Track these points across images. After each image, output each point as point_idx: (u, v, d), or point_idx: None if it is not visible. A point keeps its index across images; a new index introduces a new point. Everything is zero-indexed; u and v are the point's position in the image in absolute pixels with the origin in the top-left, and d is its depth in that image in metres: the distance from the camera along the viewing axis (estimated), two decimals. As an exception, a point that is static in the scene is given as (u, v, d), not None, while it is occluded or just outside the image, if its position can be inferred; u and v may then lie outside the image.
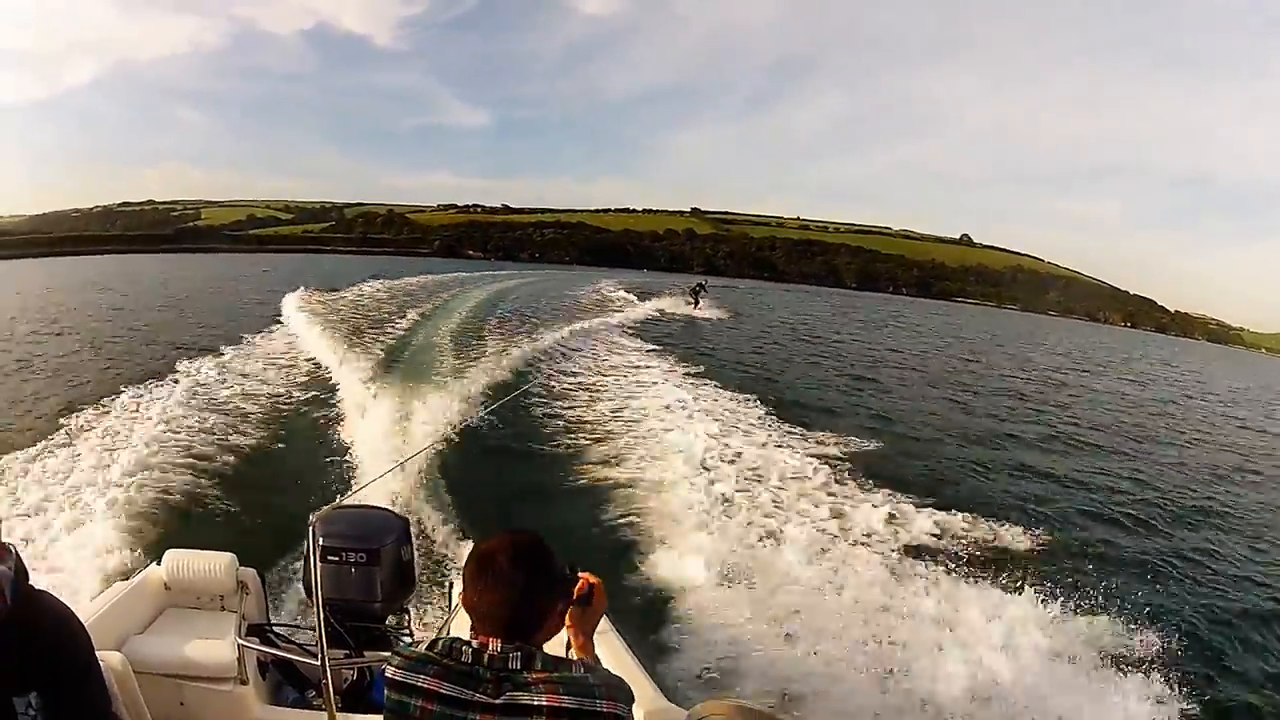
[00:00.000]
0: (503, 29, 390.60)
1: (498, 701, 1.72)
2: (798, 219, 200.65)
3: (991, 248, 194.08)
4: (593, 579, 2.15)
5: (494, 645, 1.78)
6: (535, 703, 1.71)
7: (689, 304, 39.71)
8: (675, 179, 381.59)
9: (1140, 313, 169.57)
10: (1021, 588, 7.84)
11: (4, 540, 1.95)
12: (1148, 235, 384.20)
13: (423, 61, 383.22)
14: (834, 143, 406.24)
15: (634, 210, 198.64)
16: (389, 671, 1.84)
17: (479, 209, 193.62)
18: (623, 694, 1.83)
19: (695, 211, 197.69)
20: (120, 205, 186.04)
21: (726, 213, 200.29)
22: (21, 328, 24.70)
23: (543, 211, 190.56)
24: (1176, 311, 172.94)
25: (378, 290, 34.59)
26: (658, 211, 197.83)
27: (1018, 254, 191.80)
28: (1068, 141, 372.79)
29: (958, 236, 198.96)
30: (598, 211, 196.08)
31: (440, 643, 1.85)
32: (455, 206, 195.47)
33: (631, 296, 43.65)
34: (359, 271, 47.29)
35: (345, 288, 34.18)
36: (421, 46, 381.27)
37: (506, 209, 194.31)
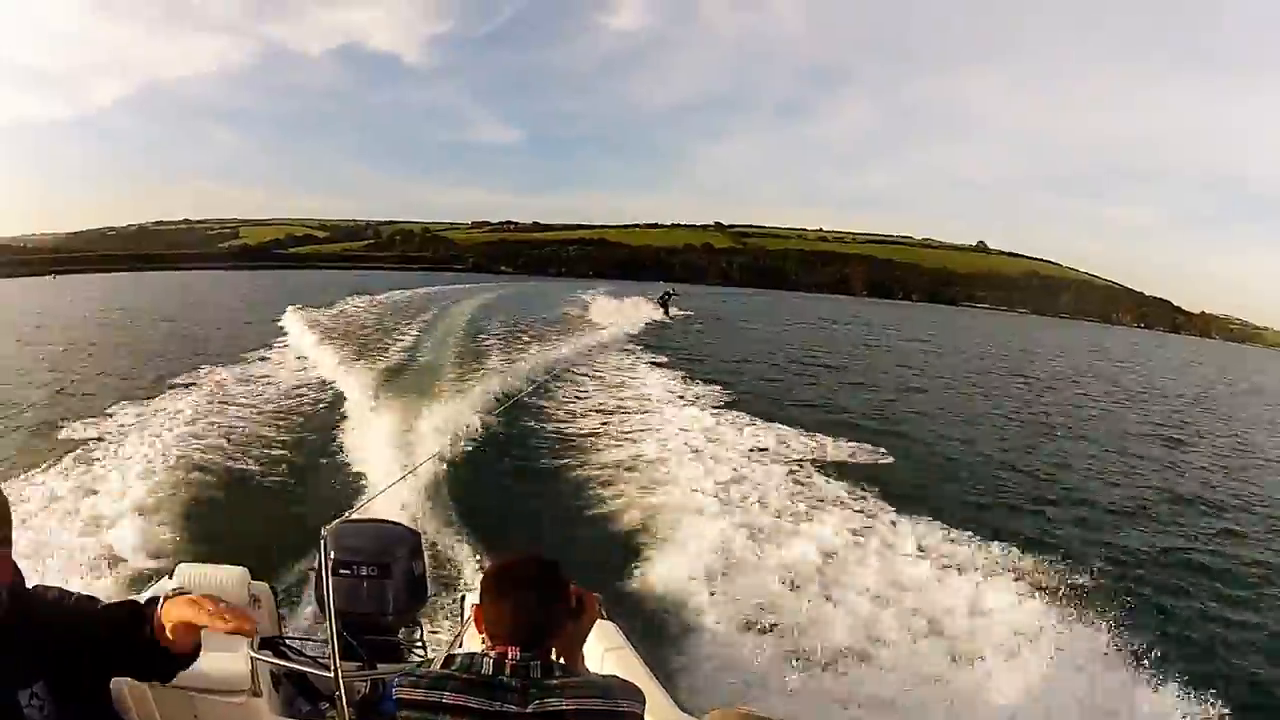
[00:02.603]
0: (532, 45, 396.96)
1: (528, 710, 1.82)
2: (819, 230, 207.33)
3: (1007, 254, 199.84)
4: (583, 592, 2.25)
5: (513, 654, 1.91)
6: (564, 708, 1.83)
7: (658, 311, 40.78)
8: (706, 192, 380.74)
9: (1155, 313, 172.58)
10: (1032, 592, 8.01)
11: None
12: (1177, 236, 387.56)
13: (453, 78, 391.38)
14: (863, 151, 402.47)
15: (663, 225, 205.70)
16: (403, 693, 1.90)
17: (511, 226, 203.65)
18: (637, 694, 1.98)
19: (718, 225, 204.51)
20: (155, 224, 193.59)
21: (749, 226, 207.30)
22: (41, 341, 26.21)
23: (569, 228, 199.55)
24: (1201, 312, 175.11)
25: (370, 305, 36.94)
26: (685, 226, 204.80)
27: (1032, 259, 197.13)
28: (1097, 144, 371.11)
29: (974, 244, 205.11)
30: (626, 227, 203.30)
31: (457, 659, 1.98)
32: (489, 224, 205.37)
33: (609, 304, 44.20)
34: (402, 285, 51.74)
35: (342, 301, 36.87)
36: (452, 63, 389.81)
37: (538, 226, 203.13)
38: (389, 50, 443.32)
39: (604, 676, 2.05)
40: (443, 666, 1.96)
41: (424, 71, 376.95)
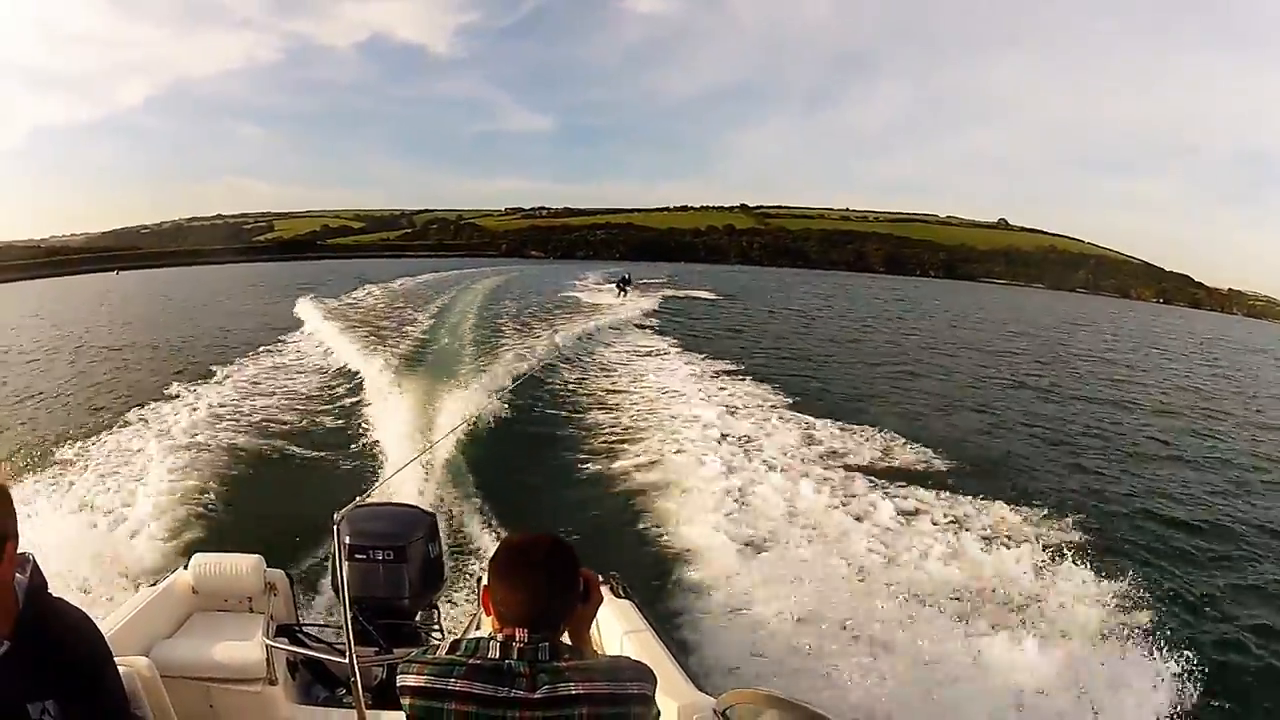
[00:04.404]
0: (559, 34, 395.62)
1: (536, 696, 1.79)
2: (845, 209, 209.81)
3: (1028, 230, 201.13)
4: (590, 574, 2.16)
5: (521, 635, 1.86)
6: (572, 692, 1.79)
7: (616, 296, 41.22)
8: (736, 179, 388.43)
9: (1174, 289, 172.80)
10: (1054, 577, 7.96)
11: (20, 550, 1.98)
12: (1203, 212, 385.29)
13: (481, 69, 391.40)
14: (890, 136, 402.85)
15: (691, 208, 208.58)
16: (409, 680, 1.88)
17: (544, 211, 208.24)
18: (647, 674, 1.95)
19: (743, 207, 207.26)
20: (189, 220, 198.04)
21: (776, 207, 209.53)
22: (55, 340, 26.39)
23: (595, 213, 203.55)
24: (1230, 290, 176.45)
25: (379, 293, 37.70)
26: (712, 208, 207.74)
27: (1052, 235, 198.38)
28: (1123, 120, 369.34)
29: (995, 221, 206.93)
30: (653, 210, 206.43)
31: (463, 644, 1.93)
32: (521, 211, 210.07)
33: (593, 287, 46.88)
34: (411, 271, 54.09)
35: (355, 290, 38.10)
36: (479, 54, 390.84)
37: (568, 211, 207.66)
38: (416, 42, 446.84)
39: (614, 658, 2.08)
40: (449, 651, 1.93)
41: (451, 63, 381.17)
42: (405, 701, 1.87)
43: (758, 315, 43.21)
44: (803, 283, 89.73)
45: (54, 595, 2.12)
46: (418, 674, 1.86)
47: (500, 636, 1.88)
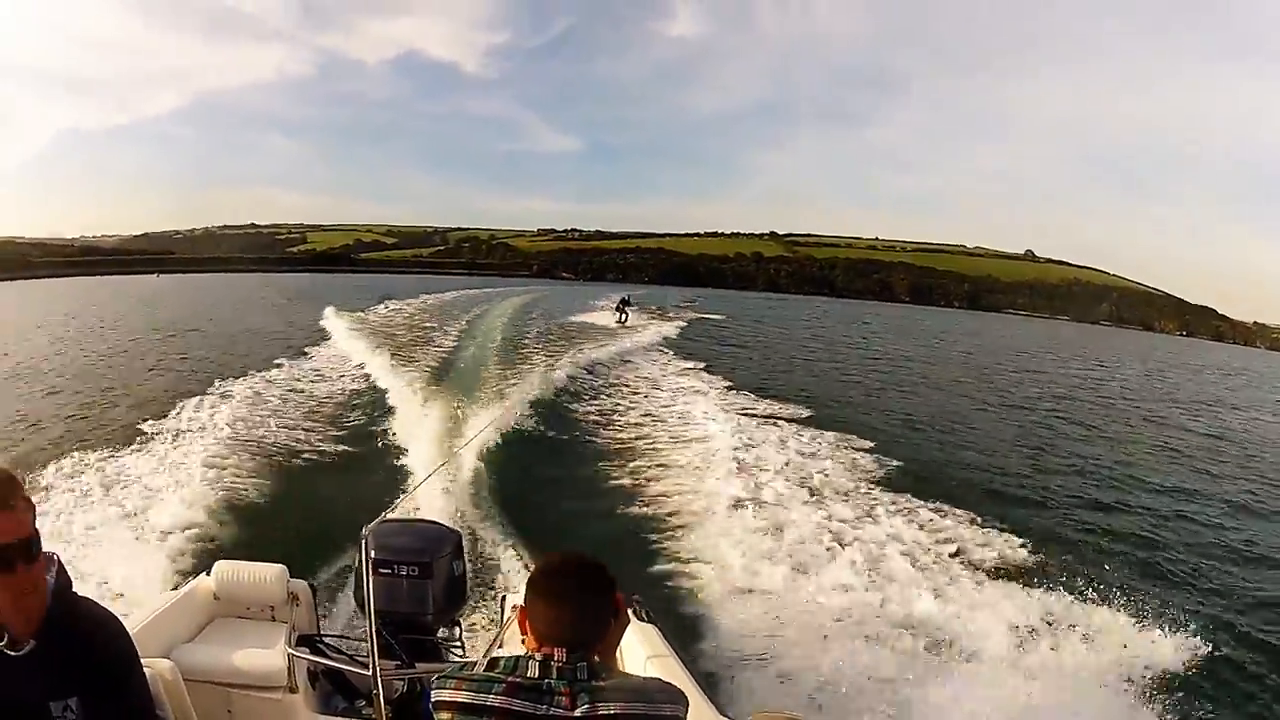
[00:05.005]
0: (588, 54, 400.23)
1: (576, 714, 1.80)
2: (875, 239, 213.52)
3: (1054, 261, 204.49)
4: (619, 596, 2.14)
5: (559, 654, 1.87)
6: (611, 711, 1.80)
7: (616, 320, 40.12)
8: (761, 198, 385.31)
9: (1197, 321, 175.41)
10: (1080, 608, 7.75)
11: (47, 549, 2.01)
12: (1231, 236, 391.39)
13: (511, 88, 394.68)
14: (917, 154, 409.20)
15: (721, 234, 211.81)
16: (445, 695, 1.88)
17: (576, 234, 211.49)
18: (680, 697, 1.94)
19: (773, 235, 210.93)
20: (222, 228, 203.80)
21: (805, 235, 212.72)
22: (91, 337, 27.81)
23: (627, 236, 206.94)
24: (1255, 323, 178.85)
25: (407, 308, 38.40)
26: (742, 235, 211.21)
27: (1078, 267, 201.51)
28: (1152, 141, 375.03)
29: (1021, 252, 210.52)
30: (684, 236, 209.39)
31: (502, 661, 1.94)
32: (553, 232, 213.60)
33: (608, 309, 44.68)
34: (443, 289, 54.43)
35: (377, 305, 38.51)
36: (509, 73, 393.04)
37: (600, 234, 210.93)
38: (447, 60, 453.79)
39: (647, 679, 2.06)
40: (487, 668, 1.95)
41: (482, 81, 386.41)
42: (443, 716, 1.89)
43: (788, 341, 42.56)
44: (827, 312, 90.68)
45: (81, 595, 2.18)
46: (455, 689, 1.88)
47: (539, 655, 1.90)
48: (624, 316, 40.79)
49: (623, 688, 1.88)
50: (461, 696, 1.86)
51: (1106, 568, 9.55)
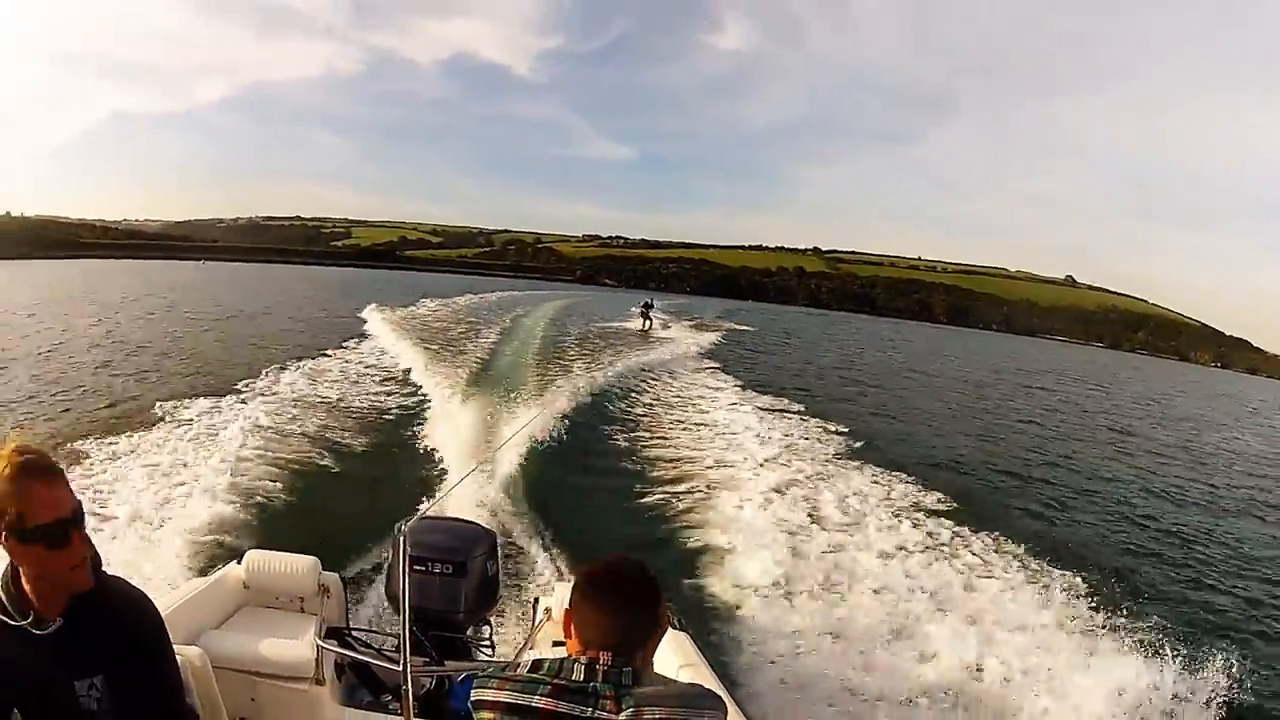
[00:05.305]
0: (640, 63, 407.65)
1: (620, 718, 1.79)
2: (917, 259, 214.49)
3: (1094, 288, 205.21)
4: None
5: (605, 658, 1.86)
6: (656, 716, 1.78)
7: (642, 325, 39.14)
8: (808, 214, 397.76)
9: (1233, 353, 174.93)
10: (1119, 632, 7.57)
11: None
12: (1273, 268, 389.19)
13: (561, 92, 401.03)
14: (965, 177, 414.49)
15: (765, 248, 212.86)
16: (488, 694, 1.88)
17: (620, 241, 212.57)
18: (720, 704, 1.92)
19: (815, 250, 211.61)
20: (265, 219, 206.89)
21: (848, 252, 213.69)
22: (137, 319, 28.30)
23: (670, 246, 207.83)
24: None
25: (448, 306, 38.36)
26: (786, 250, 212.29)
27: (1116, 294, 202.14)
28: (1200, 172, 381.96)
29: (1062, 277, 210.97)
30: (729, 248, 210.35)
31: (546, 663, 1.90)
32: (598, 238, 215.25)
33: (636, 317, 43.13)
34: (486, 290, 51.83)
35: (416, 302, 38.39)
36: (560, 78, 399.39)
37: (645, 243, 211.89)
38: (499, 63, 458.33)
39: (689, 684, 2.03)
40: (530, 670, 1.92)
41: (532, 85, 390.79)
42: (481, 715, 1.88)
43: (829, 358, 41.95)
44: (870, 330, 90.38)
45: (111, 574, 2.20)
46: (498, 689, 1.88)
47: (584, 659, 1.89)
48: (649, 323, 39.82)
49: (666, 693, 1.87)
50: (505, 697, 1.87)
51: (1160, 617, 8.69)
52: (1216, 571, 11.68)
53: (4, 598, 2.03)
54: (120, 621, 2.15)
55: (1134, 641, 7.43)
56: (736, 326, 51.97)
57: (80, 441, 10.67)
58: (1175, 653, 7.07)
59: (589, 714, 1.80)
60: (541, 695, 1.83)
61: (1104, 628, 7.73)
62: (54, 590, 2.04)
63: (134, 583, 2.33)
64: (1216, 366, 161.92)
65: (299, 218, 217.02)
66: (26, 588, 2.02)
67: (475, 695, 1.90)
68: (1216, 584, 11.11)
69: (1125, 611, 8.16)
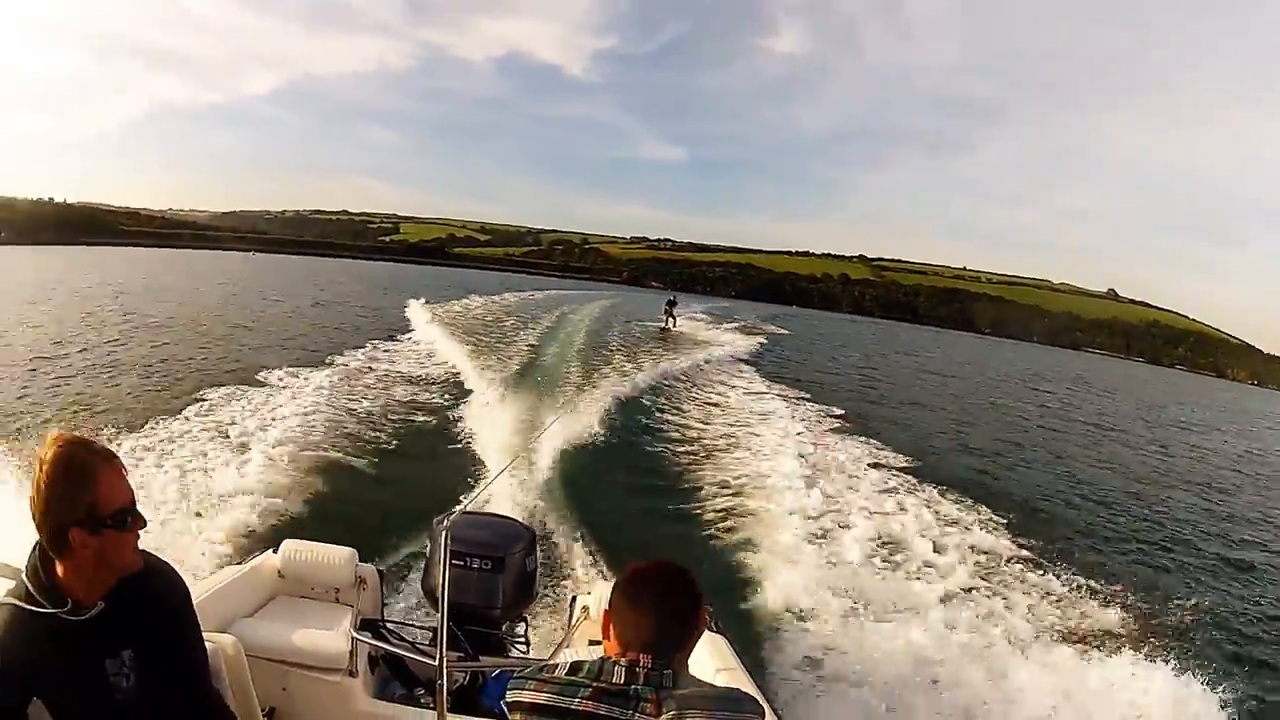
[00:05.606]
0: (694, 66, 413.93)
1: None
2: (962, 269, 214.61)
3: (1137, 303, 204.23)
4: None
5: (645, 660, 1.85)
6: (698, 719, 1.77)
7: (666, 322, 38.26)
8: (856, 222, 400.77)
9: (1269, 371, 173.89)
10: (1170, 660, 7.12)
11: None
12: None
13: (614, 94, 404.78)
14: (1011, 188, 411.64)
15: (811, 254, 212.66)
16: (525, 696, 1.86)
17: (668, 244, 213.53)
18: (759, 708, 1.92)
19: (861, 258, 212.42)
20: (313, 212, 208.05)
21: (893, 260, 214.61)
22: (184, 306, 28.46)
23: (717, 250, 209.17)
24: None
25: (492, 303, 38.28)
26: (832, 256, 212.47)
27: (1158, 309, 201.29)
28: (1247, 190, 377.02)
29: (1104, 290, 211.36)
30: (775, 253, 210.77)
31: (586, 665, 1.89)
32: (646, 240, 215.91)
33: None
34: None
35: (462, 298, 38.34)
36: (613, 80, 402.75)
37: (693, 246, 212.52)
38: (552, 62, 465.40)
39: (728, 688, 2.00)
40: (569, 671, 1.90)
41: (586, 85, 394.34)
42: (517, 717, 1.87)
43: (877, 367, 41.41)
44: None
45: (154, 555, 2.21)
46: (536, 690, 1.86)
47: (624, 661, 1.88)
48: (672, 321, 38.64)
49: (706, 696, 1.85)
50: (543, 699, 1.85)
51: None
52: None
53: (33, 588, 2.01)
54: (155, 595, 2.19)
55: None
56: (778, 331, 52.20)
57: (121, 428, 10.71)
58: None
59: (630, 717, 1.80)
60: (582, 698, 1.83)
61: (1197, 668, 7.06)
62: (106, 576, 2.04)
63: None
64: (1252, 384, 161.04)
65: (346, 212, 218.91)
66: (68, 576, 2.01)
67: (511, 696, 1.90)
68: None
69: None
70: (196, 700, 2.38)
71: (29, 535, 2.06)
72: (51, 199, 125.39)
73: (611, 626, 2.00)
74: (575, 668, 1.91)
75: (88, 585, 2.03)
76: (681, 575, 2.05)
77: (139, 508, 2.09)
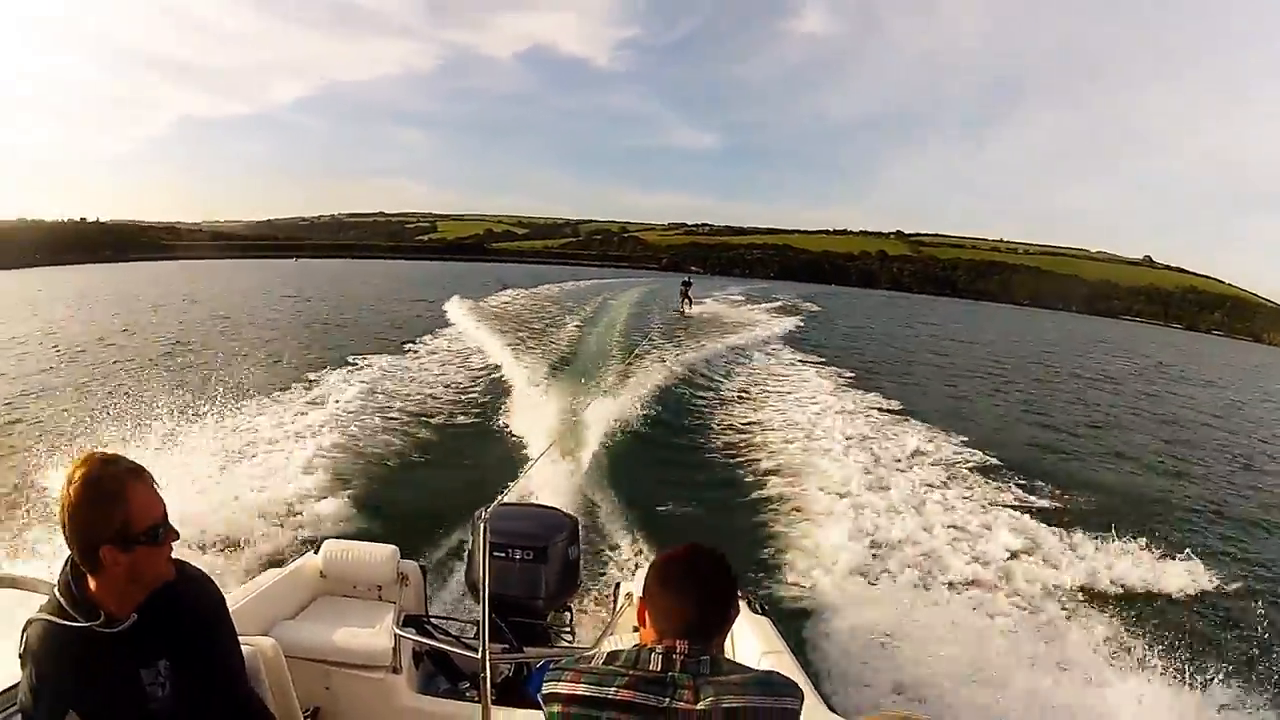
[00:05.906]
0: (721, 52, 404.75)
1: (699, 708, 1.75)
2: (999, 240, 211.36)
3: (1172, 268, 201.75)
4: None
5: (682, 647, 1.84)
6: (734, 705, 1.76)
7: (681, 304, 36.88)
8: (891, 203, 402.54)
9: None
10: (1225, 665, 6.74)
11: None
12: None
13: (642, 84, 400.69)
14: (1046, 168, 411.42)
15: (850, 232, 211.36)
16: (562, 687, 1.84)
17: (706, 228, 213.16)
18: (798, 691, 1.90)
19: (898, 234, 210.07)
20: (349, 215, 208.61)
21: (930, 235, 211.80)
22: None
23: (754, 232, 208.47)
24: None
25: (526, 296, 38.32)
26: (870, 234, 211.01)
27: (1194, 275, 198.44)
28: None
29: (1140, 258, 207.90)
30: (812, 233, 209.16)
31: (623, 654, 1.87)
32: (684, 226, 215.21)
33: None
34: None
35: (495, 294, 38.20)
36: (640, 69, 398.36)
37: (729, 229, 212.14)
38: (578, 55, 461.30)
39: (766, 672, 1.96)
40: (606, 661, 1.88)
41: (613, 76, 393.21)
42: (554, 709, 1.85)
43: (917, 343, 40.82)
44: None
45: (189, 563, 2.23)
46: (573, 681, 1.85)
47: (660, 648, 1.86)
48: (688, 303, 36.93)
49: (744, 681, 1.84)
50: (581, 689, 1.83)
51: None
52: None
53: (65, 602, 2.00)
54: (189, 603, 2.20)
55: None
56: (814, 308, 51.67)
57: (157, 430, 10.45)
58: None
59: (667, 704, 1.78)
60: (619, 687, 1.81)
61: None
62: (139, 588, 2.05)
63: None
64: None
65: (382, 213, 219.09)
66: (100, 590, 2.01)
67: (548, 687, 1.88)
68: None
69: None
70: (234, 705, 2.37)
71: (61, 550, 2.06)
72: (84, 219, 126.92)
73: (646, 614, 1.98)
74: (612, 657, 1.90)
75: (120, 598, 2.03)
76: (712, 557, 2.02)
77: (171, 521, 2.10)
